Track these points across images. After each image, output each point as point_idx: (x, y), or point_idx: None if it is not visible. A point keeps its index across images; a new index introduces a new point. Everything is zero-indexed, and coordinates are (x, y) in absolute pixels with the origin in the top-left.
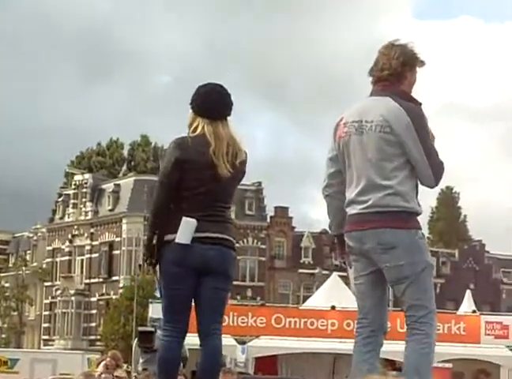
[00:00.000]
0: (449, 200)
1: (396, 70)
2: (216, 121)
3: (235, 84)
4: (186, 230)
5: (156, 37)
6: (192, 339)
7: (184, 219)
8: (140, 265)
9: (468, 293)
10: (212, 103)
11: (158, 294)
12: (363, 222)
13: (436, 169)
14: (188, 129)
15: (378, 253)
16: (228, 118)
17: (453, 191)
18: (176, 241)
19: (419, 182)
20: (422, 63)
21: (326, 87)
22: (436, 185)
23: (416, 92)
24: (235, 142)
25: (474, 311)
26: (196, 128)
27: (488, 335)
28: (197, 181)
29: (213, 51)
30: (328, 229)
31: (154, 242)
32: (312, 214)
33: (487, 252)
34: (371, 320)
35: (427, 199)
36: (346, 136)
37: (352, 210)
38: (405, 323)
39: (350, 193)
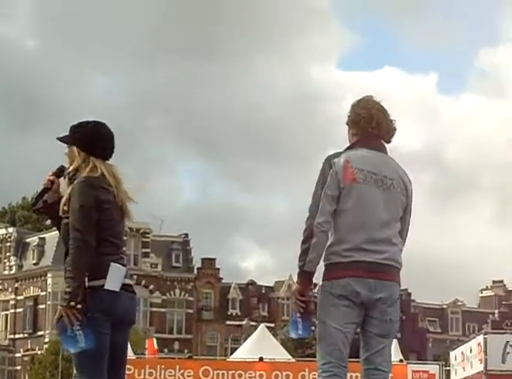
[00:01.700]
0: None
1: (391, 134)
2: (106, 161)
3: (161, 131)
4: (116, 276)
5: (80, 87)
6: None
7: (113, 264)
8: None
9: (394, 342)
10: (107, 142)
11: (72, 348)
12: (381, 272)
13: (407, 237)
14: (78, 169)
15: (386, 304)
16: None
17: None
18: (106, 287)
19: None
20: None
21: (256, 133)
22: None
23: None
24: (122, 182)
25: (401, 360)
26: (93, 168)
27: None
28: (110, 222)
29: (138, 98)
30: (309, 266)
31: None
32: (241, 264)
33: (413, 301)
34: (346, 370)
35: None
36: (362, 184)
37: (363, 257)
38: (370, 375)
39: (356, 238)
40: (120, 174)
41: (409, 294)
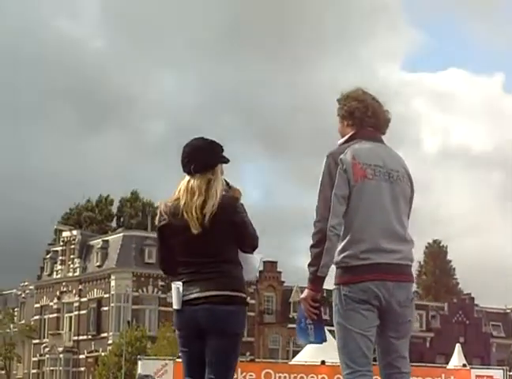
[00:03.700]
0: (437, 253)
1: (387, 123)
2: (192, 176)
3: (230, 130)
4: (176, 294)
5: (149, 86)
6: None
7: (172, 285)
8: (128, 322)
9: (458, 347)
10: (183, 158)
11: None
12: (399, 273)
13: None
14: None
15: (404, 306)
16: (213, 169)
17: (441, 245)
18: (173, 307)
19: None
20: None
21: (323, 134)
22: None
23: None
24: (206, 193)
25: (464, 365)
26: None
27: None
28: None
29: (206, 97)
30: (323, 271)
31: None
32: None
33: (477, 305)
34: (372, 375)
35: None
36: (373, 179)
37: (381, 258)
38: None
39: (371, 238)
40: (195, 187)
41: (472, 299)
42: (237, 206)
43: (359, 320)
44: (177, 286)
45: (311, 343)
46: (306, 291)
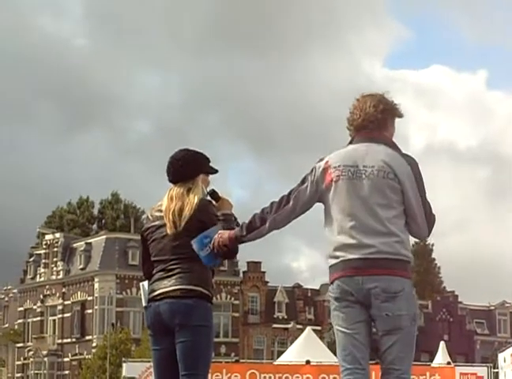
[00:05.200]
0: (422, 251)
1: (376, 118)
2: (175, 184)
3: (215, 129)
4: (142, 293)
5: (131, 84)
6: None
7: (140, 284)
8: (113, 324)
9: (442, 344)
10: (167, 169)
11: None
12: (370, 268)
13: (430, 220)
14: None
15: (380, 300)
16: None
17: (427, 242)
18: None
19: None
20: (401, 114)
21: (309, 129)
22: (427, 237)
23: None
24: (185, 200)
25: (449, 362)
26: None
27: None
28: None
29: (190, 95)
30: (263, 230)
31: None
32: (294, 265)
33: (460, 303)
34: (367, 372)
35: None
36: (339, 181)
37: (351, 254)
38: (384, 375)
39: (341, 237)
40: (175, 194)
41: (456, 297)
42: (208, 208)
43: (341, 319)
44: (142, 284)
45: (199, 255)
46: (235, 232)
